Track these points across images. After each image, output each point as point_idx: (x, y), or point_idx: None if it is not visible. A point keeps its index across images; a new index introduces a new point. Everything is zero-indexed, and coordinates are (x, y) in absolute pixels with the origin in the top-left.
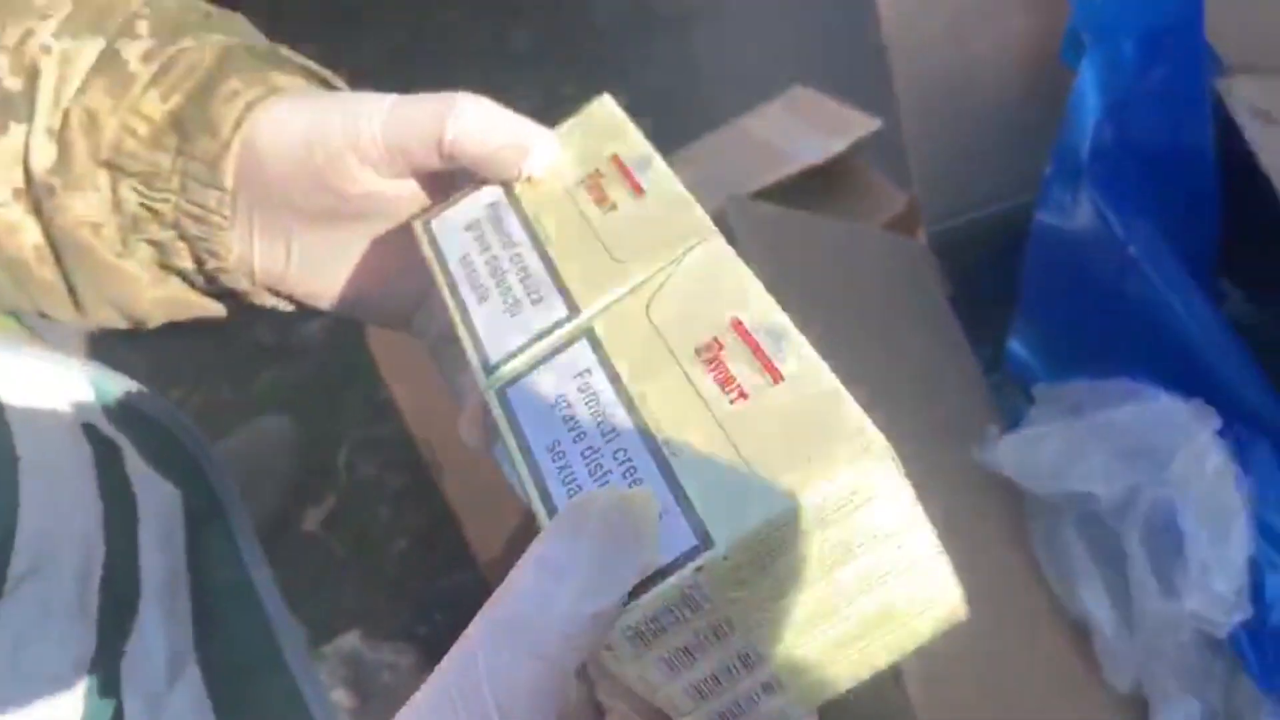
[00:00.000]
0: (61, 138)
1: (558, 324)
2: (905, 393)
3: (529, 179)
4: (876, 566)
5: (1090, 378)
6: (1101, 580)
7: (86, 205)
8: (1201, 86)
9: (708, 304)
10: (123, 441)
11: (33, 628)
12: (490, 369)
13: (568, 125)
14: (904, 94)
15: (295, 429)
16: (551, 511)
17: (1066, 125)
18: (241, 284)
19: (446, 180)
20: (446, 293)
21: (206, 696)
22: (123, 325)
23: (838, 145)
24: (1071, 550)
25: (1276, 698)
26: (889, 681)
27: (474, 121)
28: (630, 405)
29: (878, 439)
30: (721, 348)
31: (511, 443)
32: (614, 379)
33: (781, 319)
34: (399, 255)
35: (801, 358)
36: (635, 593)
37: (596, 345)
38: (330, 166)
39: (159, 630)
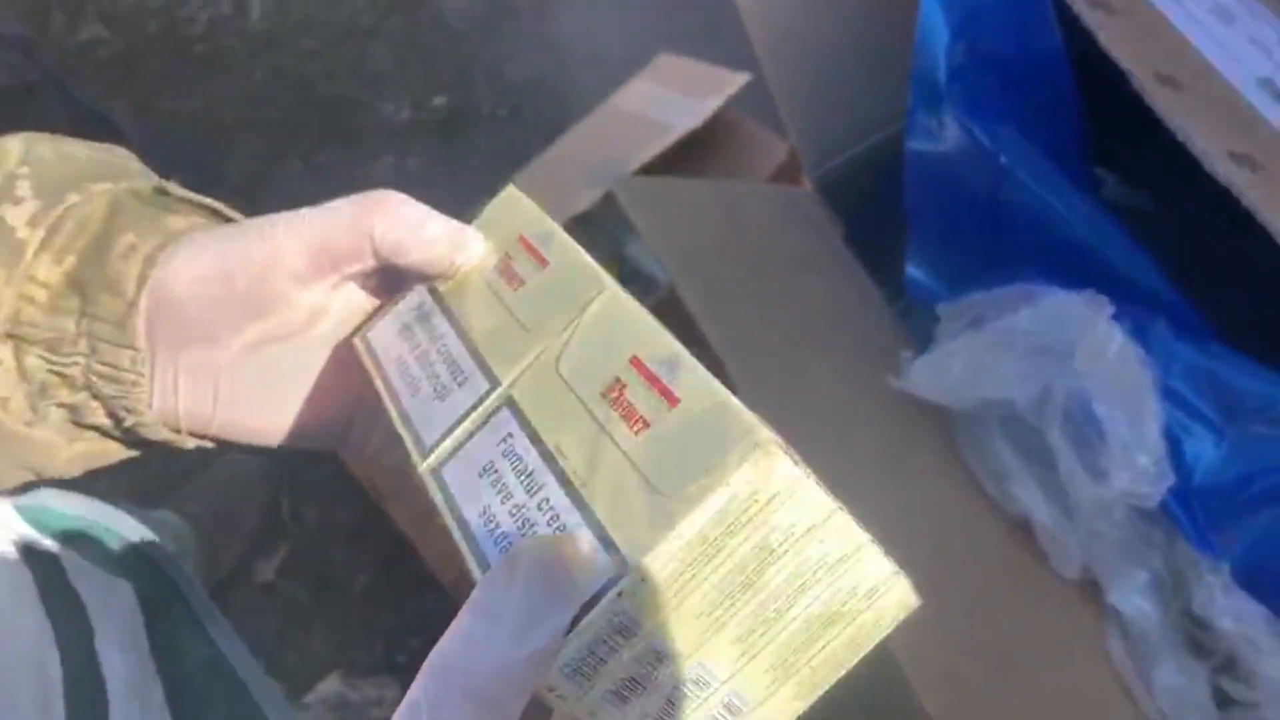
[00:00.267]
0: None
1: (480, 399)
2: (813, 336)
3: (454, 274)
4: (803, 566)
5: (987, 289)
6: (1033, 478)
7: None
8: None
9: (609, 349)
10: (62, 551)
11: None
12: (425, 454)
13: (481, 219)
14: (760, 44)
15: (264, 461)
16: (485, 569)
17: (919, 51)
18: (162, 434)
19: (374, 281)
20: (385, 397)
21: None
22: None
23: (711, 106)
24: (1000, 455)
25: (1212, 552)
26: None
27: (402, 217)
28: (549, 457)
29: (767, 437)
30: (624, 386)
31: (448, 519)
32: (533, 438)
33: (675, 348)
34: (331, 371)
35: (695, 378)
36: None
37: (516, 410)
38: (255, 291)
39: None
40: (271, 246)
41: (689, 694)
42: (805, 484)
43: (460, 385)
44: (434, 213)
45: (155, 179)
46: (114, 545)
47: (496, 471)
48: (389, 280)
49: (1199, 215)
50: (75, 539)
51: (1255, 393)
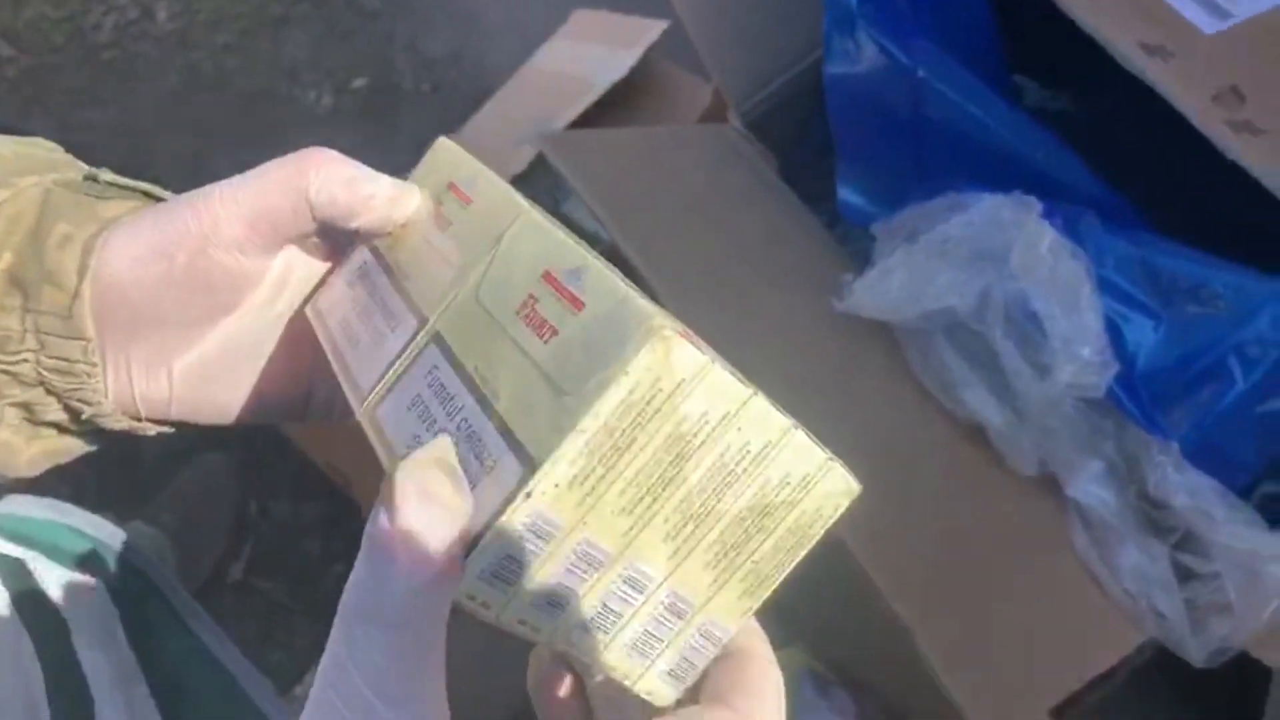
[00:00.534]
0: None
1: (411, 339)
2: (755, 270)
3: (393, 230)
4: (725, 457)
5: (919, 203)
6: (981, 382)
7: None
8: None
9: (523, 270)
10: (26, 554)
11: None
12: (361, 400)
13: (415, 172)
14: None
15: (233, 461)
16: None
17: None
18: (121, 423)
19: (326, 247)
20: (331, 357)
21: None
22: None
23: (631, 57)
24: (947, 364)
25: (1161, 434)
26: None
27: (334, 174)
28: (470, 382)
29: (663, 323)
30: (535, 300)
31: (383, 456)
32: (457, 366)
33: (582, 258)
34: (288, 343)
35: (599, 281)
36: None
37: (441, 343)
38: (195, 265)
39: None
40: (208, 218)
41: (626, 597)
42: (712, 370)
43: (393, 331)
44: (365, 169)
45: (84, 168)
46: (79, 545)
47: (424, 403)
48: (340, 245)
49: (1119, 111)
50: (38, 542)
51: (1187, 275)
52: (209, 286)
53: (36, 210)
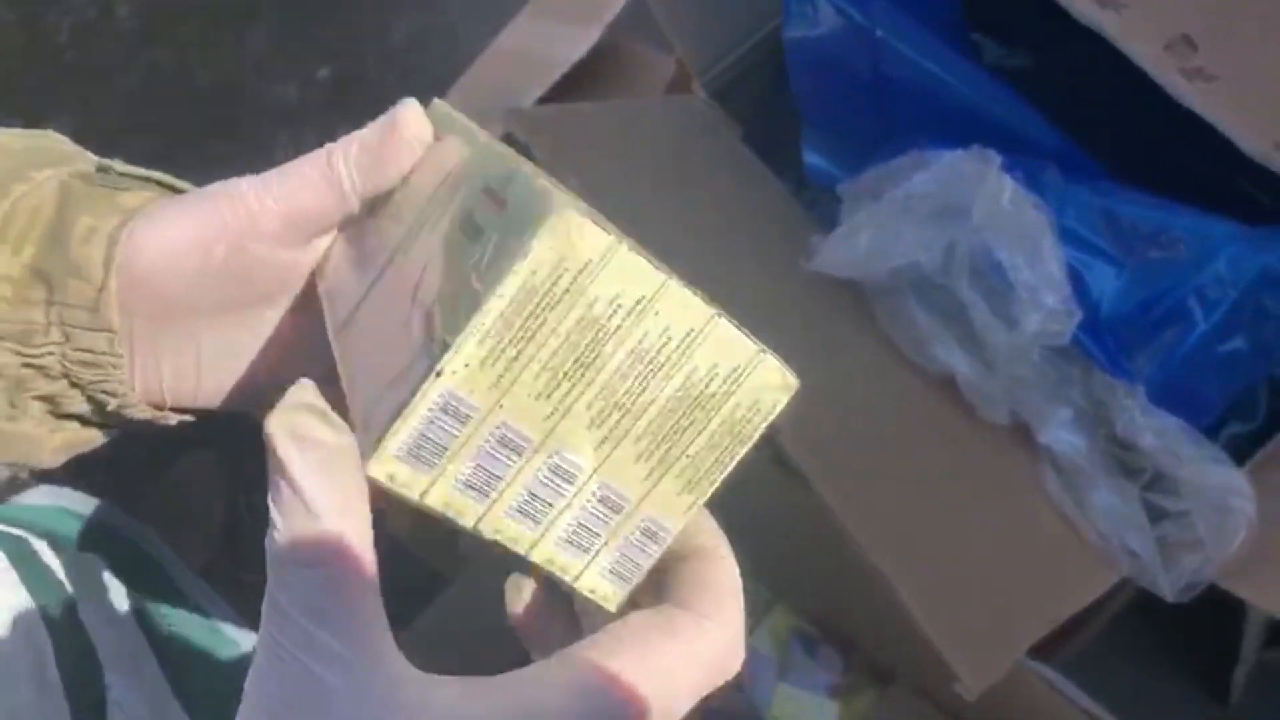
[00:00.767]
0: None
1: (380, 270)
2: (724, 237)
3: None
4: (646, 343)
5: (883, 163)
6: (950, 336)
7: None
8: None
9: (471, 191)
10: (29, 535)
11: None
12: (336, 328)
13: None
14: None
15: (221, 457)
16: None
17: None
18: (145, 414)
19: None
20: (327, 319)
21: None
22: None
23: (594, 34)
24: (916, 318)
25: (1127, 378)
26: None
27: (361, 153)
28: (413, 295)
29: (566, 202)
30: (472, 213)
31: (344, 379)
32: (411, 285)
33: (516, 166)
34: (309, 326)
35: (526, 182)
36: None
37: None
38: (232, 258)
39: (133, 694)
40: (244, 212)
41: (555, 487)
42: (620, 251)
43: (366, 269)
44: (378, 126)
45: (94, 159)
46: (77, 525)
47: (380, 329)
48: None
49: (1077, 65)
50: (38, 525)
51: (1147, 221)
52: (248, 278)
53: (55, 203)
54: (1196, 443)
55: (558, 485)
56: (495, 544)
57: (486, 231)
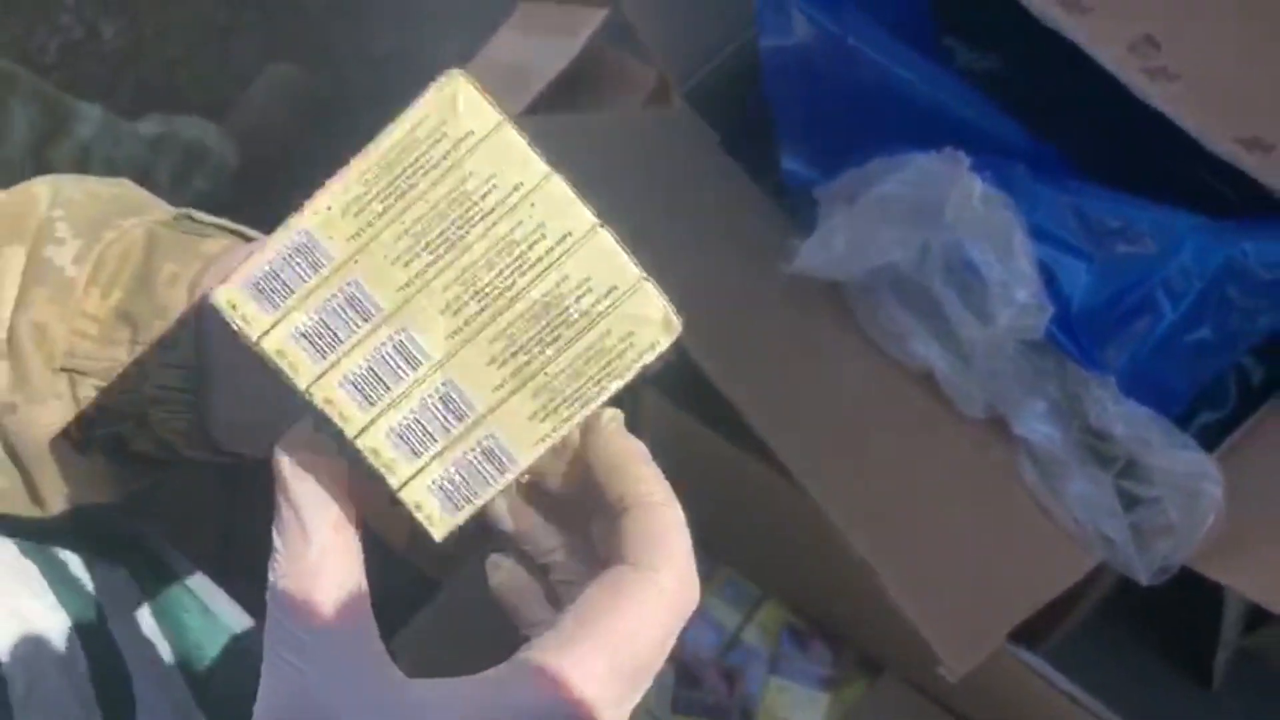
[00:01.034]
0: (13, 354)
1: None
2: (706, 243)
3: None
4: (517, 233)
5: (858, 166)
6: (927, 332)
7: (50, 413)
8: None
9: None
10: (59, 548)
11: None
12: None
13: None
14: None
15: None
16: None
17: None
18: (201, 454)
19: None
20: None
21: None
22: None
23: (575, 46)
24: (894, 315)
25: (1099, 369)
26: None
27: None
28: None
29: (461, 74)
30: None
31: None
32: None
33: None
34: None
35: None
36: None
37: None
38: None
39: (161, 706)
40: None
41: (396, 367)
42: (504, 130)
43: None
44: None
45: (172, 209)
46: (102, 536)
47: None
48: None
49: (1045, 67)
50: (65, 536)
51: (1114, 217)
52: None
53: (142, 250)
54: (1166, 430)
55: (399, 367)
56: (326, 420)
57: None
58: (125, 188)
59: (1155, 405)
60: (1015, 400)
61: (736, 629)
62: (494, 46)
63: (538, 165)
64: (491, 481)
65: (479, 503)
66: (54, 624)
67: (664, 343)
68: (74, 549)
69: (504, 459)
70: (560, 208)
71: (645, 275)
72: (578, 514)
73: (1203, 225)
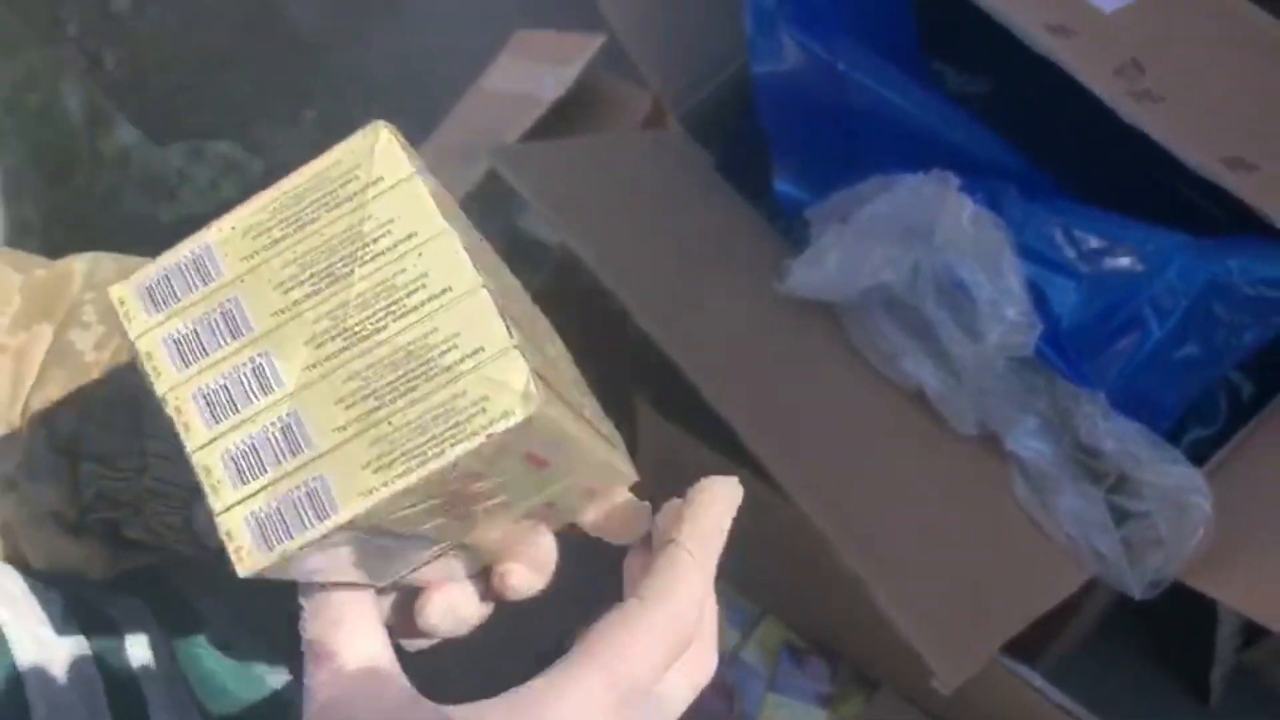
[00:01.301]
0: (26, 433)
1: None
2: (702, 263)
3: None
4: (399, 279)
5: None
6: (919, 351)
7: (50, 493)
8: None
9: None
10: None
11: None
12: None
13: None
14: (605, 2)
15: None
16: None
17: None
18: (189, 550)
19: None
20: None
21: None
22: None
23: (572, 73)
24: (886, 334)
25: (1088, 385)
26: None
27: None
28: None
29: (385, 125)
30: None
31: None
32: None
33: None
34: None
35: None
36: None
37: None
38: None
39: None
40: None
41: (248, 391)
42: (414, 182)
43: None
44: None
45: None
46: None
47: None
48: None
49: (1034, 90)
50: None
51: (1102, 236)
52: None
53: None
54: (1155, 445)
55: (252, 391)
56: (172, 427)
57: None
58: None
59: (1145, 421)
60: (1006, 417)
61: (735, 647)
62: (492, 75)
63: (437, 220)
64: (309, 526)
65: (291, 547)
66: (73, 650)
67: (518, 414)
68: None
69: (326, 505)
70: (448, 263)
71: (518, 344)
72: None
73: (1188, 244)
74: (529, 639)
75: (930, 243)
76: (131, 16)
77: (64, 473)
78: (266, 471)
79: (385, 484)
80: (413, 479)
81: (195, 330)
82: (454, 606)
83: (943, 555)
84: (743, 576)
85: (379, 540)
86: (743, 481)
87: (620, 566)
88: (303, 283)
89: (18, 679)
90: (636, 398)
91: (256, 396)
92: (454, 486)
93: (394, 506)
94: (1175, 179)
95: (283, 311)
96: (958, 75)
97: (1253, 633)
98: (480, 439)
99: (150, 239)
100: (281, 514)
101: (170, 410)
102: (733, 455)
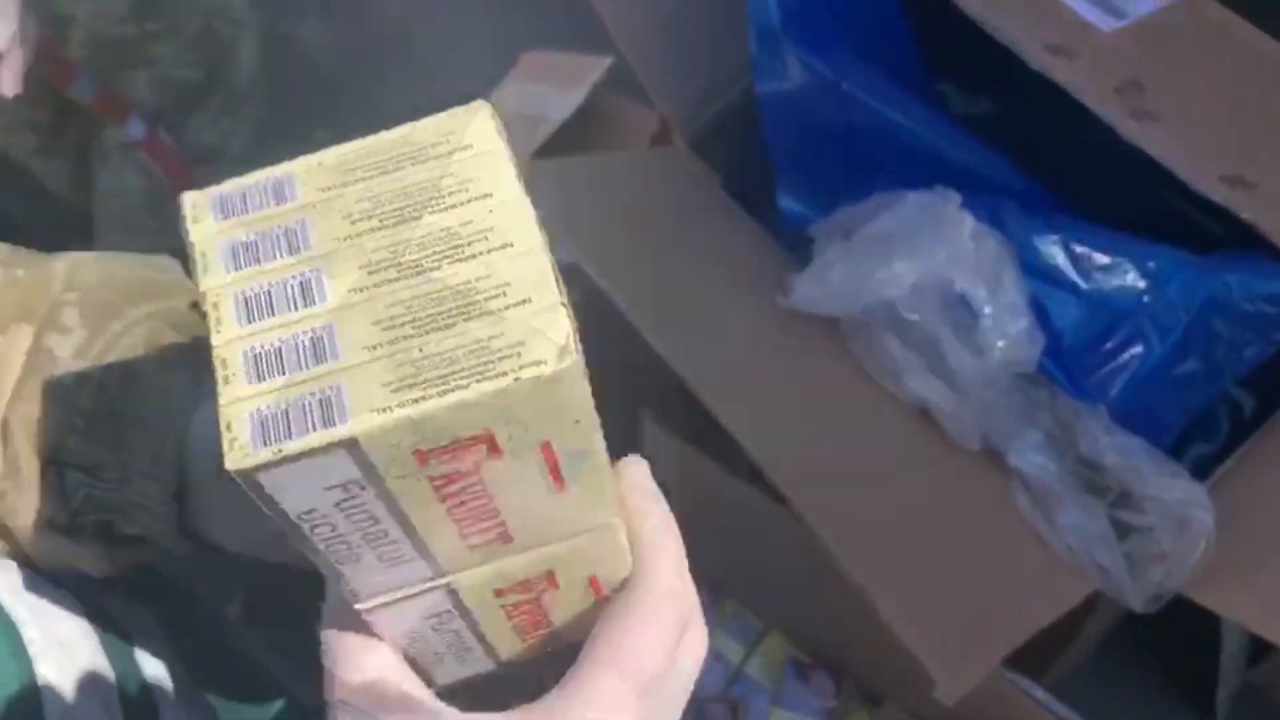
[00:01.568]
0: (5, 443)
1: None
2: (708, 278)
3: None
4: (463, 229)
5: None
6: (922, 364)
7: (37, 502)
8: None
9: None
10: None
11: None
12: None
13: None
14: (613, 24)
15: None
16: None
17: (753, 0)
18: (184, 549)
19: None
20: None
21: None
22: None
23: (580, 94)
24: (890, 350)
25: (1090, 400)
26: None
27: None
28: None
29: (488, 105)
30: None
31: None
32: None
33: None
34: None
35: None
36: None
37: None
38: None
39: None
40: None
41: (289, 297)
42: (500, 154)
43: None
44: None
45: (194, 290)
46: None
47: None
48: None
49: (1036, 110)
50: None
51: (1103, 252)
52: None
53: (143, 346)
54: (1156, 459)
55: (294, 300)
56: (204, 317)
57: None
58: (153, 268)
59: (1146, 435)
60: (1009, 432)
61: (740, 662)
62: (500, 96)
63: (514, 185)
64: (312, 430)
65: (290, 448)
66: (88, 649)
67: (550, 365)
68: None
69: (336, 415)
70: (516, 222)
71: (565, 303)
72: None
73: (1188, 261)
74: None
75: (933, 259)
76: None
77: (51, 480)
78: (285, 374)
79: (401, 405)
80: (429, 406)
81: (256, 240)
82: None
83: (946, 568)
84: (747, 591)
85: (374, 523)
86: (749, 496)
87: None
88: (371, 217)
89: (34, 685)
90: (642, 413)
91: (297, 306)
92: (462, 459)
93: (402, 440)
94: (1175, 197)
95: (345, 239)
96: (961, 95)
97: (1260, 651)
98: (508, 380)
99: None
100: (288, 415)
101: (207, 306)
102: (738, 469)
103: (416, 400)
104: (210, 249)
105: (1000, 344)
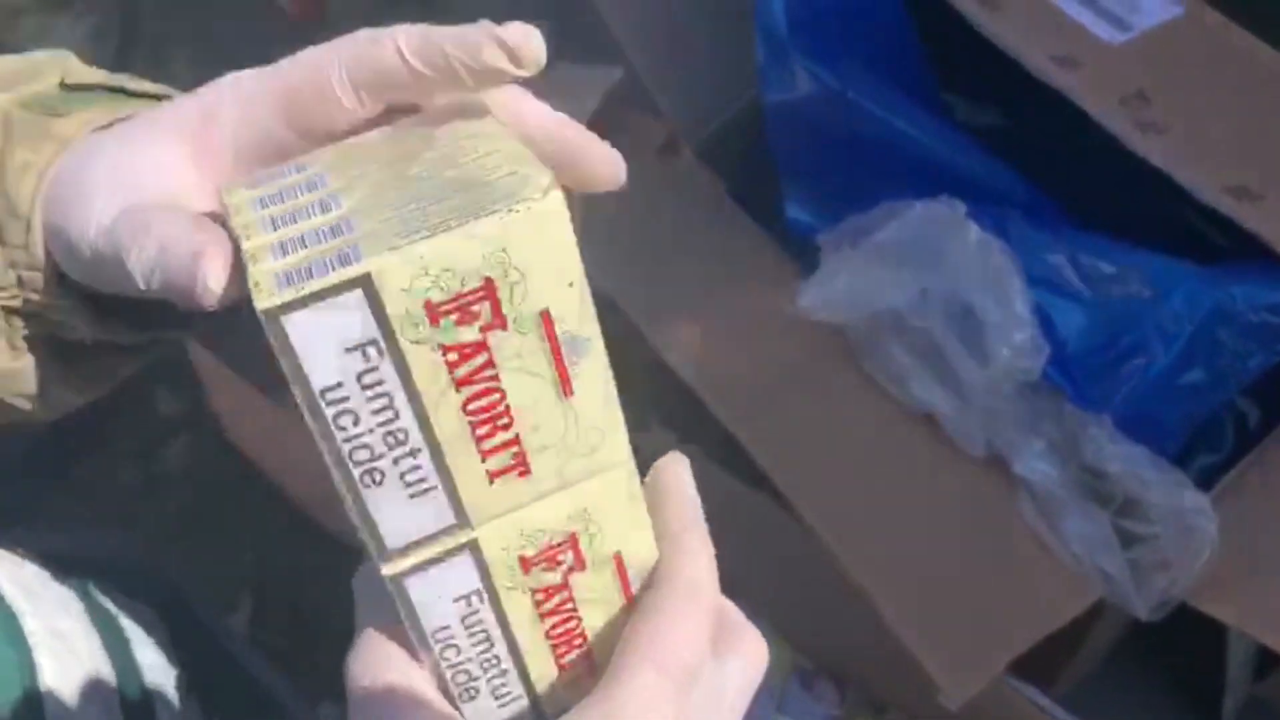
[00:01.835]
0: None
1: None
2: (717, 286)
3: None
4: (466, 154)
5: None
6: (927, 373)
7: None
8: None
9: None
10: (98, 592)
11: None
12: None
13: None
14: (619, 29)
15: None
16: None
17: (760, 9)
18: (105, 334)
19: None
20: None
21: None
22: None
23: (590, 106)
24: (897, 358)
25: (1095, 408)
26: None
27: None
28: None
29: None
30: None
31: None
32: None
33: None
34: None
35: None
36: None
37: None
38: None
39: None
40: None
41: (309, 212)
42: (525, 152)
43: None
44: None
45: (75, 71)
46: (125, 573)
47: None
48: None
49: (1042, 120)
50: (90, 572)
51: (1108, 263)
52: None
53: (1, 133)
54: (1160, 468)
55: (313, 211)
56: (231, 230)
57: None
58: (27, 60)
59: (1151, 444)
60: (1014, 440)
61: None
62: None
63: (519, 145)
64: (332, 270)
65: (312, 285)
66: (89, 648)
67: (539, 202)
68: (102, 583)
69: (352, 257)
70: (517, 155)
71: (555, 181)
72: None
73: (1193, 271)
74: None
75: (939, 268)
76: None
77: None
78: (306, 248)
79: (410, 243)
80: (435, 240)
81: (280, 193)
82: None
83: (950, 574)
84: (752, 598)
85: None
86: (754, 502)
87: None
88: (381, 164)
89: (33, 675)
90: (650, 419)
91: (315, 215)
92: (468, 321)
93: (413, 281)
94: (1180, 207)
95: (359, 176)
96: (967, 106)
97: (1267, 662)
98: (500, 214)
99: None
100: (310, 267)
101: (237, 234)
102: (743, 476)
103: (424, 237)
104: (240, 200)
105: (1005, 352)
